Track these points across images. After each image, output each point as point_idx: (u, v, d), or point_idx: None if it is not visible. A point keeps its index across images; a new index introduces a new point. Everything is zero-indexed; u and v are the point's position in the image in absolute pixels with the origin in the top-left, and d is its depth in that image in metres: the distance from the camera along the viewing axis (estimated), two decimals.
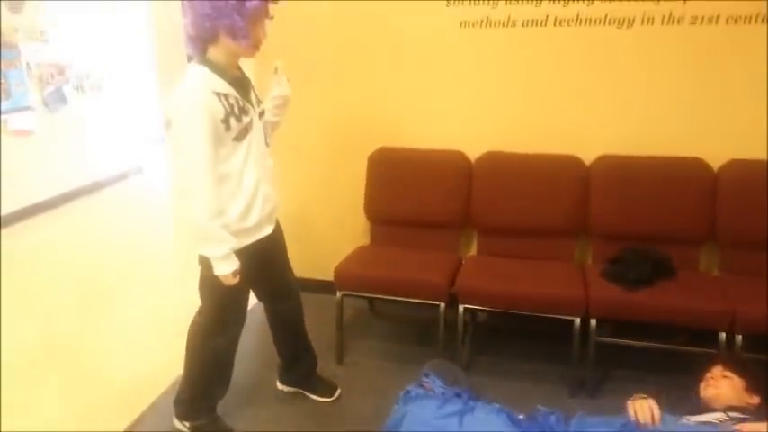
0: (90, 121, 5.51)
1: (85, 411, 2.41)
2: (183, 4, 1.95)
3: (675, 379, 2.46)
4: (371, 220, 3.05)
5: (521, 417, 1.90)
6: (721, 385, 1.98)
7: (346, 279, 2.68)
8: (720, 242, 2.69)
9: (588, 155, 2.80)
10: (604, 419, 1.87)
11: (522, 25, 2.77)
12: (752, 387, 1.96)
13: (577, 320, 2.43)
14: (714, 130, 2.70)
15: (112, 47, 5.76)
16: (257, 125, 2.03)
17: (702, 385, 2.02)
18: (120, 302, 3.49)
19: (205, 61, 1.92)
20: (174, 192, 6.00)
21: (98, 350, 2.91)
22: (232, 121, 1.89)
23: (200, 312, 2.17)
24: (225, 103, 1.88)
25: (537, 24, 2.76)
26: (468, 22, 2.83)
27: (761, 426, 1.77)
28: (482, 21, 2.81)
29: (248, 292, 2.19)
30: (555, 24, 2.74)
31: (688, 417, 1.89)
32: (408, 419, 1.87)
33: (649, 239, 2.67)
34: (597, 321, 2.42)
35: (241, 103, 1.94)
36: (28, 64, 3.83)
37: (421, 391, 1.96)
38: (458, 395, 1.91)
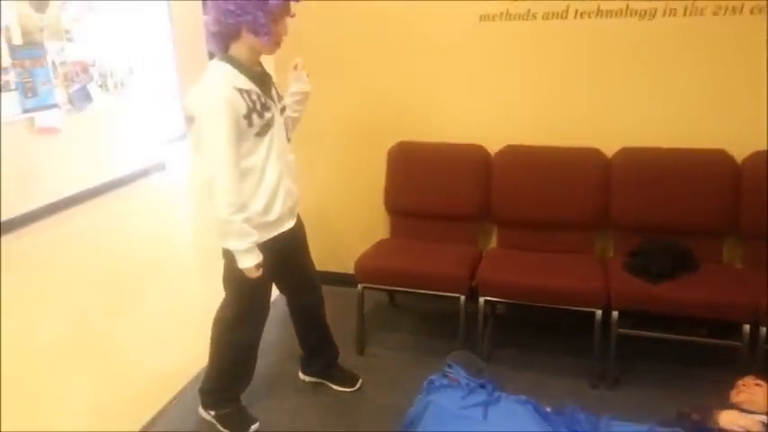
0: (113, 118, 5.58)
1: (109, 406, 2.46)
2: (205, 2, 1.98)
3: (696, 371, 2.46)
4: (391, 213, 3.07)
5: (548, 409, 1.91)
6: (756, 392, 1.98)
7: (367, 272, 2.70)
8: (743, 234, 2.67)
9: (609, 147, 2.79)
10: (633, 427, 1.85)
11: (543, 18, 2.76)
12: None
13: (599, 313, 2.42)
14: (737, 121, 2.67)
15: (134, 45, 5.83)
16: (279, 121, 2.06)
17: (734, 392, 2.01)
18: (143, 299, 3.54)
19: (227, 58, 1.95)
20: (193, 187, 6.08)
21: (123, 345, 2.96)
22: (254, 117, 1.92)
23: (223, 305, 2.21)
24: (247, 99, 1.91)
25: (557, 17, 2.75)
26: (488, 15, 2.83)
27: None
28: (502, 14, 2.81)
29: (271, 285, 2.23)
30: (575, 17, 2.73)
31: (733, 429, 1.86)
32: (432, 409, 1.89)
33: (671, 232, 2.66)
34: (619, 313, 2.42)
35: (263, 99, 1.97)
36: (53, 62, 3.90)
37: (445, 381, 1.97)
38: (482, 386, 1.92)
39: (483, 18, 2.84)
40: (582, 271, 2.56)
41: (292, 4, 1.96)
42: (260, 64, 2.05)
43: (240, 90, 1.90)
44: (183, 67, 7.79)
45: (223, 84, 1.89)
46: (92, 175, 5.45)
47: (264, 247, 2.02)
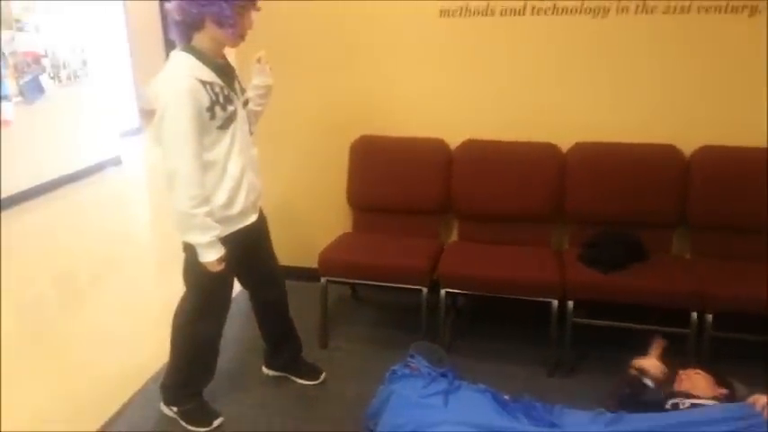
0: (67, 111, 5.44)
1: (67, 405, 2.43)
2: None
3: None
4: (354, 207, 3.09)
5: (506, 397, 1.97)
6: (696, 380, 2.10)
7: (330, 265, 2.72)
8: (692, 226, 2.79)
9: (565, 142, 2.87)
10: (584, 413, 1.93)
11: (501, 14, 2.82)
12: (720, 382, 2.10)
13: (555, 303, 2.50)
14: (686, 117, 2.78)
15: (88, 36, 5.69)
16: (241, 114, 2.05)
17: (677, 381, 2.13)
18: (100, 295, 3.48)
19: (189, 48, 1.93)
20: (156, 180, 5.97)
21: (80, 343, 2.92)
22: (217, 109, 1.91)
23: (184, 299, 2.19)
24: (210, 91, 1.89)
25: (515, 13, 2.81)
26: (448, 11, 2.87)
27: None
28: (461, 9, 2.85)
29: (233, 279, 2.21)
30: (532, 13, 2.79)
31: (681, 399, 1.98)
32: (394, 398, 1.93)
33: (624, 224, 2.76)
34: (574, 303, 2.50)
35: (226, 92, 1.95)
36: (3, 52, 3.78)
37: (407, 371, 2.01)
38: (443, 375, 1.97)
39: (443, 14, 2.88)
40: (538, 262, 2.64)
41: None
42: (223, 56, 2.03)
43: (203, 82, 1.88)
44: (138, 60, 7.64)
45: (185, 75, 1.86)
46: (45, 170, 5.34)
47: (227, 240, 2.01)
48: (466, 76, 2.96)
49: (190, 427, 2.26)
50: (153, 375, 2.55)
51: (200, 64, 1.90)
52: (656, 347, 2.10)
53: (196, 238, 1.94)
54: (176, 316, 2.22)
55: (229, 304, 2.24)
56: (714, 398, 2.06)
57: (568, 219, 2.89)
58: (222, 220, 1.99)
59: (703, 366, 2.19)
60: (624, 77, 2.80)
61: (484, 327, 2.97)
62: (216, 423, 2.27)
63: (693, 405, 2.00)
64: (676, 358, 2.25)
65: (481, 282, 2.59)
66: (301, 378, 2.53)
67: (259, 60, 2.21)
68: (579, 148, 2.85)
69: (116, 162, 6.19)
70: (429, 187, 2.95)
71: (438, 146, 2.97)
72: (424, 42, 2.96)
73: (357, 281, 2.90)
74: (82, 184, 5.56)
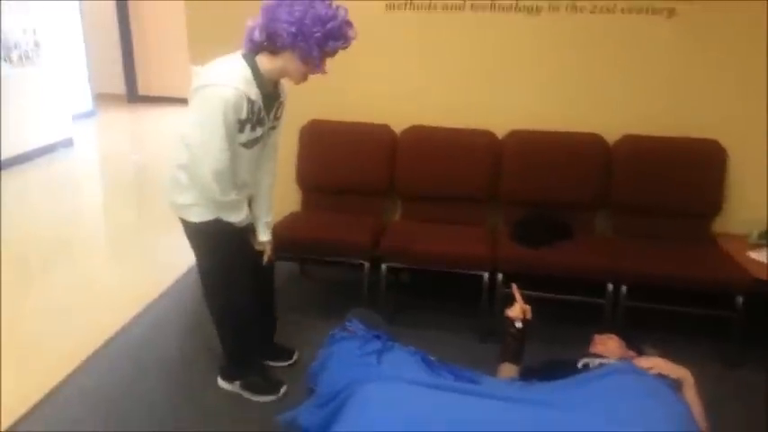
0: (18, 92, 5.40)
1: (17, 372, 2.50)
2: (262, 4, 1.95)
3: (568, 327, 2.80)
4: (303, 187, 3.25)
5: (433, 359, 2.16)
6: (608, 344, 2.35)
7: (278, 243, 2.85)
8: (613, 208, 3.05)
9: (501, 129, 3.09)
10: (503, 380, 2.13)
11: (442, 9, 3.01)
12: (630, 345, 2.34)
13: (486, 276, 2.72)
14: (610, 108, 3.03)
15: (42, 18, 5.64)
16: (264, 137, 2.13)
17: (591, 345, 2.37)
18: (49, 275, 3.53)
19: (252, 62, 1.96)
20: (108, 163, 5.97)
21: (29, 318, 2.98)
22: (248, 128, 1.98)
23: (205, 277, 2.25)
24: (249, 109, 1.95)
25: (456, 9, 3.00)
26: (393, 5, 3.05)
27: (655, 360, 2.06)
28: (406, 4, 3.03)
29: (242, 246, 2.23)
30: (472, 9, 2.99)
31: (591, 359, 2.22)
32: (332, 359, 2.09)
33: (553, 205, 3.00)
34: (503, 276, 2.72)
35: (261, 115, 2.02)
36: None
37: (344, 333, 2.18)
38: (377, 337, 2.15)
39: (389, 7, 3.05)
40: (472, 239, 2.85)
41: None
42: (277, 84, 2.10)
43: (249, 99, 1.93)
44: (92, 43, 7.55)
45: (236, 86, 1.89)
46: None
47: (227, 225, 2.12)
48: (411, 67, 3.14)
49: (257, 398, 2.32)
50: (101, 344, 2.64)
51: (254, 83, 1.95)
52: (516, 292, 2.31)
53: (225, 198, 2.04)
54: (206, 296, 2.29)
55: (248, 269, 2.26)
56: (622, 359, 2.31)
57: (503, 200, 3.11)
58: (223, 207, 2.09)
59: (616, 332, 2.44)
60: (555, 71, 3.03)
61: (423, 301, 3.17)
62: (282, 390, 2.34)
63: (601, 364, 2.23)
64: (596, 326, 2.50)
65: (419, 256, 2.78)
66: (275, 361, 2.56)
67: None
68: (514, 135, 3.07)
69: (67, 144, 6.16)
70: (374, 169, 3.13)
71: (383, 131, 3.15)
72: (372, 34, 3.09)
73: (304, 256, 3.05)
74: (32, 164, 5.53)
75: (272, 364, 2.56)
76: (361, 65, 3.15)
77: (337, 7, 1.95)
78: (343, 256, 2.81)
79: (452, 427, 1.63)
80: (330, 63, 3.18)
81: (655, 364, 1.99)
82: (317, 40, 1.90)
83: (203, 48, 3.28)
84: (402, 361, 2.06)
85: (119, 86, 8.23)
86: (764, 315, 2.64)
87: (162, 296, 3.15)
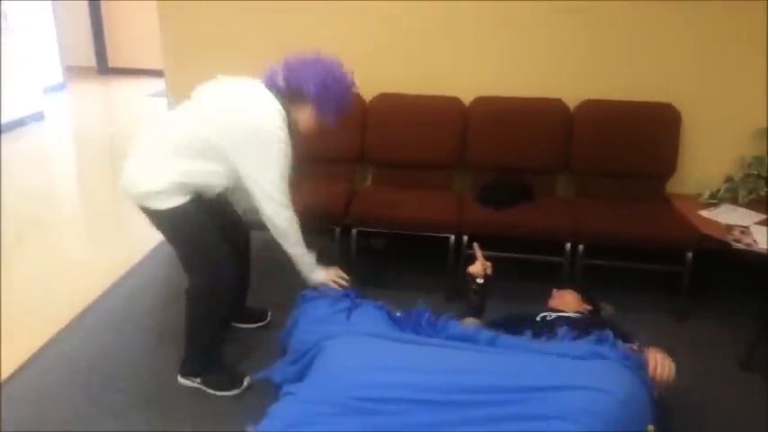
0: None
1: None
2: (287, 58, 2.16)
3: (531, 284, 2.93)
4: None
5: (398, 314, 2.28)
6: (565, 297, 2.48)
7: None
8: (574, 171, 3.17)
9: (467, 96, 3.18)
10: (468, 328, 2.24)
11: None
12: (585, 298, 2.49)
13: (452, 238, 2.84)
14: (572, 74, 3.13)
15: None
16: None
17: (551, 297, 2.51)
18: (21, 249, 3.55)
19: (285, 107, 2.10)
20: (80, 136, 5.93)
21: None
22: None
23: (186, 258, 2.20)
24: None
25: None
26: None
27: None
28: None
29: (214, 230, 2.17)
30: None
31: (549, 313, 2.35)
32: (303, 317, 2.20)
33: (517, 170, 3.11)
34: (468, 238, 2.84)
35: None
36: None
37: (315, 293, 2.29)
38: (346, 295, 2.26)
39: None
40: (439, 203, 2.97)
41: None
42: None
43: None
44: (60, 15, 7.41)
45: (283, 127, 2.07)
46: None
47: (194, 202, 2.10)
48: (380, 36, 3.20)
49: (219, 393, 2.26)
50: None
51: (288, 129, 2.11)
52: (476, 250, 2.42)
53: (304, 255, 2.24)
54: (190, 280, 2.22)
55: (227, 255, 2.21)
56: (579, 312, 2.45)
57: (469, 165, 3.22)
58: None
59: (574, 287, 2.58)
60: (519, 39, 3.12)
61: (393, 264, 3.28)
62: (246, 383, 2.28)
63: (559, 317, 2.38)
64: (555, 283, 2.64)
65: (387, 220, 2.88)
66: (247, 323, 2.62)
67: None
68: (479, 101, 3.17)
69: (38, 117, 6.10)
70: (346, 136, 3.17)
71: (355, 99, 3.20)
72: (341, 2, 3.16)
73: None
74: (3, 138, 5.48)
75: (244, 326, 2.63)
76: (333, 35, 3.21)
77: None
78: (315, 221, 2.89)
79: (411, 373, 1.77)
80: (298, 31, 3.23)
81: (664, 367, 1.81)
82: (336, 99, 2.13)
83: (174, 19, 3.33)
84: (369, 316, 2.18)
85: (89, 59, 8.12)
86: (712, 270, 2.80)
87: (137, 266, 3.22)
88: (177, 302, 2.80)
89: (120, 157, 5.33)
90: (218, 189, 2.15)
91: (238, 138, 2.03)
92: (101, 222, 3.89)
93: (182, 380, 2.31)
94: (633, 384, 1.67)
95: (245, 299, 2.66)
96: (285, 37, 3.25)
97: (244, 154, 2.04)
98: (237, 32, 3.28)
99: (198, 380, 2.28)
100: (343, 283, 2.31)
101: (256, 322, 2.67)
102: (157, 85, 6.80)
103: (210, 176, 2.10)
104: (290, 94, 2.12)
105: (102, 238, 3.66)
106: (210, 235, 2.14)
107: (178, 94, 3.46)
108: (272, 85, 2.12)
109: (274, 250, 2.43)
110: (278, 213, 2.14)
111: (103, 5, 8.02)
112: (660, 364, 1.80)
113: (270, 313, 2.71)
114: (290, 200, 2.16)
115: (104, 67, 8.24)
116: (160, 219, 2.08)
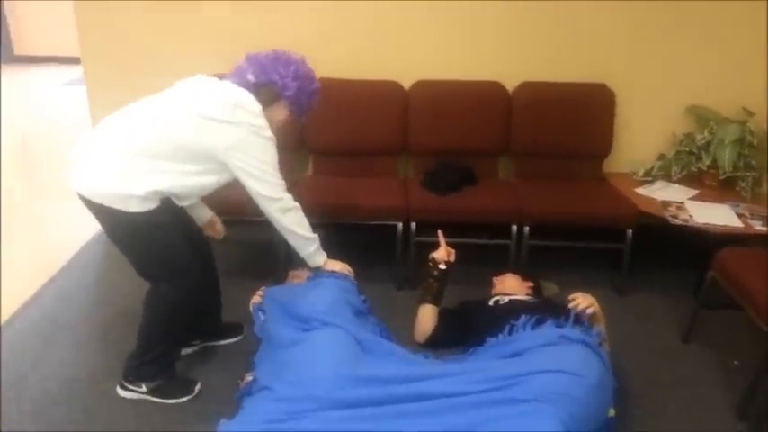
0: None
1: None
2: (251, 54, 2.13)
3: (479, 268, 2.94)
4: None
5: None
6: (505, 281, 2.51)
7: None
8: (514, 153, 3.20)
9: (407, 80, 3.13)
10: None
11: None
12: (525, 277, 2.55)
13: (400, 225, 2.79)
14: (509, 56, 3.14)
15: None
16: None
17: (493, 285, 2.54)
18: None
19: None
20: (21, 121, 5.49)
21: None
22: None
23: (145, 266, 2.08)
24: None
25: None
26: None
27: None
28: None
29: (181, 238, 2.07)
30: None
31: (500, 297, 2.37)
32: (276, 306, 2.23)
33: (459, 154, 3.10)
34: (417, 224, 2.80)
35: None
36: None
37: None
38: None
39: None
40: (385, 190, 2.92)
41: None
42: None
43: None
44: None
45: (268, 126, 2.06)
46: None
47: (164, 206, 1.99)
48: (320, 21, 3.10)
49: (168, 401, 2.13)
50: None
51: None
52: (440, 237, 2.46)
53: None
54: (152, 289, 2.09)
55: (192, 262, 2.09)
56: (526, 293, 2.48)
57: (412, 151, 3.18)
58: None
59: (513, 269, 2.61)
60: (459, 23, 3.09)
61: (340, 254, 3.19)
62: (197, 389, 2.17)
63: (511, 300, 2.39)
64: (503, 265, 2.67)
65: (331, 209, 2.80)
66: (224, 339, 2.47)
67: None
68: (419, 85, 3.12)
69: None
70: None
71: None
72: None
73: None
74: None
75: (223, 342, 2.47)
76: (265, 19, 3.07)
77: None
78: (251, 215, 2.77)
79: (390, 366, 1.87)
80: (230, 16, 3.08)
81: (591, 302, 2.13)
82: (308, 95, 2.14)
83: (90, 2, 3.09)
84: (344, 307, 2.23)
85: None
86: (649, 246, 2.89)
87: (63, 270, 3.01)
88: (111, 305, 2.64)
89: (37, 153, 4.97)
90: (205, 192, 2.15)
91: (227, 137, 1.97)
92: (19, 225, 3.61)
93: (122, 392, 2.15)
94: (601, 370, 1.73)
95: (220, 313, 2.48)
96: (214, 21, 3.09)
97: (234, 151, 2.00)
98: (161, 17, 3.08)
99: (143, 388, 2.13)
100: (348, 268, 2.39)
101: (234, 337, 2.50)
102: (73, 72, 6.37)
103: (196, 177, 2.03)
104: (259, 89, 2.07)
105: (21, 241, 3.40)
106: (179, 242, 2.05)
107: (97, 82, 3.24)
108: (240, 83, 2.06)
109: (216, 249, 2.34)
110: (274, 202, 2.17)
111: None
112: (582, 297, 2.12)
113: (244, 326, 2.52)
114: (284, 187, 2.17)
115: (10, 55, 7.64)
116: (123, 222, 1.93)
